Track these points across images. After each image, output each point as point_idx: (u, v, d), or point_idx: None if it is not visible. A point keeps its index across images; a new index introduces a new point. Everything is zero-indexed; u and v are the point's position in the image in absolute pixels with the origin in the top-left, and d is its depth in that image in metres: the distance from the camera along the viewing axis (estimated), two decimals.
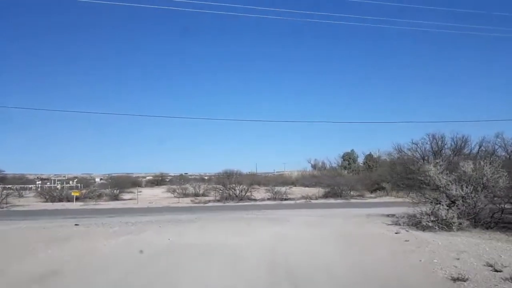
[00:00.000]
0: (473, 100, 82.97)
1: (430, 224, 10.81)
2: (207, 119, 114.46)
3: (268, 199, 27.75)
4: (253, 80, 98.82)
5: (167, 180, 66.30)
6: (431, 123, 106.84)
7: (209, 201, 26.69)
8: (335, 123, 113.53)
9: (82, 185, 54.31)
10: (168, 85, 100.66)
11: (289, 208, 20.12)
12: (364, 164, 57.85)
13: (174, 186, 35.87)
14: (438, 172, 12.16)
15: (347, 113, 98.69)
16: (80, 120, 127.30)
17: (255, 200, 27.42)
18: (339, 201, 26.69)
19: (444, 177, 11.86)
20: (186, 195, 31.91)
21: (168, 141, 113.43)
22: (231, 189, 27.61)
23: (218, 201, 26.62)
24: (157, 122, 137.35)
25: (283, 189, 29.05)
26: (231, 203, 25.25)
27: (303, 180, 54.21)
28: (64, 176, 70.51)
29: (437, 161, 14.22)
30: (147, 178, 74.46)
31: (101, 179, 73.48)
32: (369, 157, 57.46)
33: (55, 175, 75.96)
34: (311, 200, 26.66)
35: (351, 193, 29.88)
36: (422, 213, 11.38)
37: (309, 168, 68.63)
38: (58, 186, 47.06)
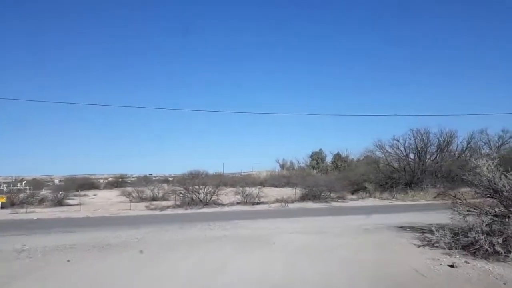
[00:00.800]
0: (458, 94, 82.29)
1: (499, 248, 7.11)
2: (176, 109, 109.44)
3: (238, 203, 23.91)
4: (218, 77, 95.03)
5: (129, 182, 61.37)
6: (412, 117, 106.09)
7: (168, 207, 22.52)
8: (305, 117, 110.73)
9: (32, 187, 48.82)
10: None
11: (265, 217, 16.34)
12: (332, 163, 57.71)
13: (130, 189, 31.47)
14: (490, 168, 8.56)
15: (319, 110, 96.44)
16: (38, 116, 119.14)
17: (222, 205, 23.52)
18: (320, 205, 23.24)
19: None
20: (143, 199, 27.61)
21: (132, 141, 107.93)
22: (194, 192, 23.59)
23: (179, 206, 22.51)
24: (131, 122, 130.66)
25: (254, 191, 25.21)
26: (194, 210, 21.23)
27: (272, 181, 51.95)
28: (12, 178, 64.21)
29: (492, 154, 10.68)
30: (109, 179, 69.15)
31: (60, 180, 67.85)
32: (337, 156, 57.35)
33: (4, 177, 69.26)
34: (288, 205, 23.02)
35: (331, 195, 26.54)
36: (477, 229, 7.59)
37: (277, 168, 66.50)
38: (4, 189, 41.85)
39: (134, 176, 77.04)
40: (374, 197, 27.42)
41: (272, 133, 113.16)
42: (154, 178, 64.98)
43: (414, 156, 29.46)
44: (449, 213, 8.89)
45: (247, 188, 26.33)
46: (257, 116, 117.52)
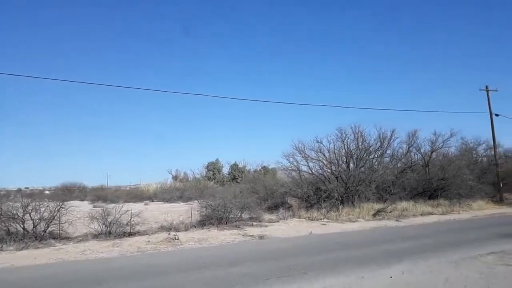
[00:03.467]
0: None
1: None
2: None
3: (95, 236, 14.47)
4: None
5: None
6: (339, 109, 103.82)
7: None
8: (202, 126, 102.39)
9: None
10: None
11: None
12: (229, 174, 54.61)
13: None
14: None
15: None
16: None
17: (67, 239, 13.94)
18: (230, 233, 15.03)
19: None
20: None
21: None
22: (15, 219, 13.55)
23: None
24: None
25: (126, 212, 15.88)
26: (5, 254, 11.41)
27: (163, 194, 43.79)
28: None
29: None
30: None
31: None
32: (234, 166, 54.26)
33: None
34: (178, 235, 14.23)
35: (242, 215, 18.51)
36: None
37: (169, 180, 58.01)
38: None
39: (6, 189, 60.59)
40: (300, 217, 20.04)
41: (165, 143, 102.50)
42: (28, 191, 51.47)
43: (347, 162, 22.94)
44: None
45: (116, 210, 16.76)
46: (148, 122, 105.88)
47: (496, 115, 27.75)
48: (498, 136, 29.79)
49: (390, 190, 24.43)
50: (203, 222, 17.27)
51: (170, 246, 12.74)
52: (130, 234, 15.02)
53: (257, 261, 8.74)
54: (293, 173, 24.01)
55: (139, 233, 15.31)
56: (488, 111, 27.83)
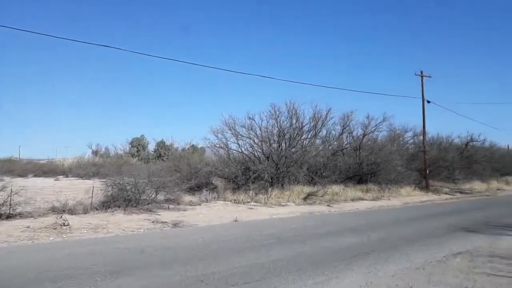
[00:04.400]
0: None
1: None
2: None
3: None
4: None
5: None
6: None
7: None
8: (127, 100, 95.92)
9: None
10: None
11: None
12: (155, 151, 52.42)
13: None
14: None
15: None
16: None
17: None
18: (139, 217, 12.48)
19: None
20: None
21: None
22: None
23: None
24: None
25: (20, 189, 12.57)
26: None
27: (79, 170, 40.28)
28: None
29: None
30: None
31: None
32: (161, 144, 52.06)
33: None
34: (68, 221, 11.29)
35: (158, 197, 15.90)
36: None
37: (88, 155, 53.57)
38: None
39: None
40: (225, 199, 17.87)
41: (87, 115, 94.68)
42: None
43: (279, 141, 21.10)
44: None
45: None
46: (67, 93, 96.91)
47: (428, 101, 27.61)
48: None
49: (322, 173, 23.15)
50: (108, 204, 14.36)
51: (54, 234, 9.84)
52: (9, 217, 11.83)
53: (157, 266, 6.28)
54: (221, 151, 21.70)
55: (21, 216, 12.15)
56: (421, 97, 27.58)
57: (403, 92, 78.26)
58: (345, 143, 26.74)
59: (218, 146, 21.62)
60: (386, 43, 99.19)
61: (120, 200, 14.33)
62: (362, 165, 25.18)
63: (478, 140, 35.64)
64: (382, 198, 22.07)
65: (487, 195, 26.49)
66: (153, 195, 15.55)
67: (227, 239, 8.75)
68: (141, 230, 10.79)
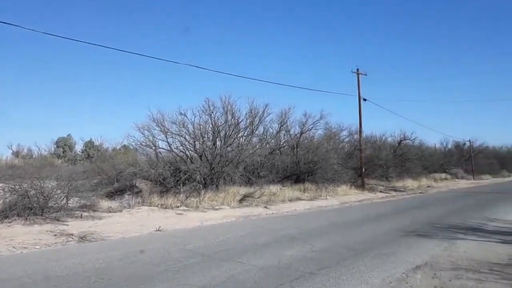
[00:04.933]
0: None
1: None
2: None
3: None
4: None
5: None
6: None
7: None
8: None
9: None
10: None
11: None
12: (83, 152, 49.21)
13: None
14: None
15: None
16: None
17: None
18: (41, 228, 10.21)
19: None
20: None
21: None
22: None
23: None
24: None
25: None
26: None
27: None
28: None
29: None
30: None
31: None
32: (89, 144, 49.16)
33: None
34: None
35: (69, 203, 13.57)
36: None
37: (7, 156, 48.10)
38: None
39: None
40: (151, 204, 15.88)
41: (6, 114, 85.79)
42: None
43: (214, 139, 19.50)
44: None
45: None
46: None
47: (364, 99, 27.50)
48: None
49: (259, 173, 21.92)
50: (6, 213, 11.90)
51: None
52: None
53: None
54: (148, 150, 19.62)
55: None
56: (358, 94, 27.38)
57: (344, 91, 79.89)
58: (283, 141, 25.80)
59: (144, 144, 19.51)
60: (325, 40, 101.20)
61: (19, 207, 11.90)
62: (300, 164, 24.33)
63: (410, 138, 36.68)
64: (319, 197, 21.33)
65: (420, 193, 26.92)
66: (63, 201, 13.23)
67: (138, 259, 6.95)
68: (36, 247, 8.66)
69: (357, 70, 27.35)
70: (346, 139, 33.74)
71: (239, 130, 21.24)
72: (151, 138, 19.06)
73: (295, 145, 25.41)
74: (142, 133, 19.14)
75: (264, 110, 21.87)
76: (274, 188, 21.09)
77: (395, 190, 27.92)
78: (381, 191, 26.74)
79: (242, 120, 21.02)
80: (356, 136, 30.79)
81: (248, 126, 21.34)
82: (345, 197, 22.44)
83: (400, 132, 36.48)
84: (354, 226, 11.48)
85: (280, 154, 25.49)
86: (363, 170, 27.38)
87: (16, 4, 70.41)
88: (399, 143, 36.08)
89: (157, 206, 15.64)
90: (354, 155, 29.82)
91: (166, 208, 15.40)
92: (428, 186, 33.19)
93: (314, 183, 23.93)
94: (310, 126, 26.25)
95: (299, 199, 20.33)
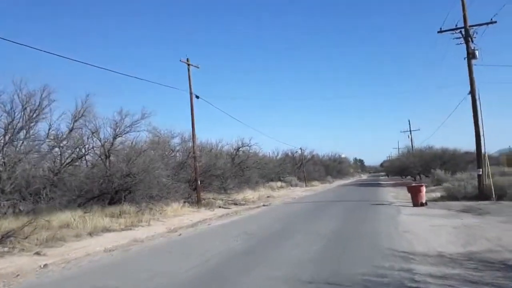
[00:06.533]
0: None
1: None
2: None
3: None
4: None
5: None
6: None
7: None
8: None
9: None
10: None
11: None
12: None
13: None
14: None
15: None
16: None
17: None
18: None
19: None
20: None
21: None
22: None
23: None
24: None
25: None
26: None
27: None
28: None
29: None
30: None
31: None
32: None
33: None
34: None
35: None
36: None
37: None
38: None
39: None
40: None
41: None
42: None
43: None
44: None
45: None
46: None
47: (197, 97, 22.46)
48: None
49: (44, 195, 14.54)
50: None
51: None
52: None
53: None
54: None
55: None
56: (189, 89, 22.20)
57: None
58: (88, 147, 18.67)
59: None
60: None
61: None
62: (113, 177, 17.73)
63: (249, 144, 33.48)
64: (139, 224, 15.22)
65: (263, 205, 23.07)
66: None
67: None
68: None
69: (187, 60, 22.19)
70: (178, 147, 28.44)
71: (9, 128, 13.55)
72: None
73: (107, 153, 18.69)
74: None
75: (42, 96, 14.59)
76: (70, 216, 14.14)
77: (236, 204, 23.66)
78: (220, 206, 22.05)
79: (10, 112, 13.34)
80: (190, 143, 25.73)
81: (20, 123, 13.76)
82: (175, 219, 16.82)
83: (238, 139, 33.00)
84: None
85: (87, 165, 18.46)
86: (199, 183, 22.28)
87: None
88: (237, 150, 32.46)
89: None
90: (187, 164, 24.57)
91: None
92: (268, 197, 30.18)
93: (135, 203, 17.75)
94: (128, 128, 19.90)
95: (107, 229, 13.85)
